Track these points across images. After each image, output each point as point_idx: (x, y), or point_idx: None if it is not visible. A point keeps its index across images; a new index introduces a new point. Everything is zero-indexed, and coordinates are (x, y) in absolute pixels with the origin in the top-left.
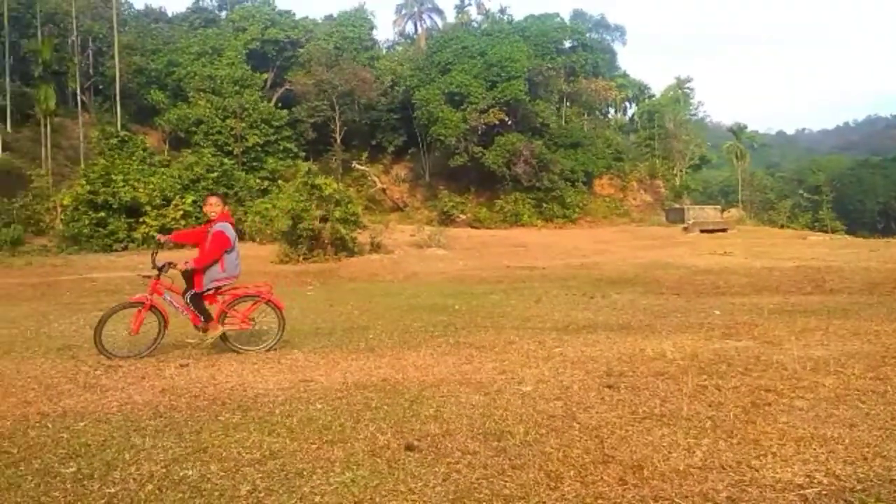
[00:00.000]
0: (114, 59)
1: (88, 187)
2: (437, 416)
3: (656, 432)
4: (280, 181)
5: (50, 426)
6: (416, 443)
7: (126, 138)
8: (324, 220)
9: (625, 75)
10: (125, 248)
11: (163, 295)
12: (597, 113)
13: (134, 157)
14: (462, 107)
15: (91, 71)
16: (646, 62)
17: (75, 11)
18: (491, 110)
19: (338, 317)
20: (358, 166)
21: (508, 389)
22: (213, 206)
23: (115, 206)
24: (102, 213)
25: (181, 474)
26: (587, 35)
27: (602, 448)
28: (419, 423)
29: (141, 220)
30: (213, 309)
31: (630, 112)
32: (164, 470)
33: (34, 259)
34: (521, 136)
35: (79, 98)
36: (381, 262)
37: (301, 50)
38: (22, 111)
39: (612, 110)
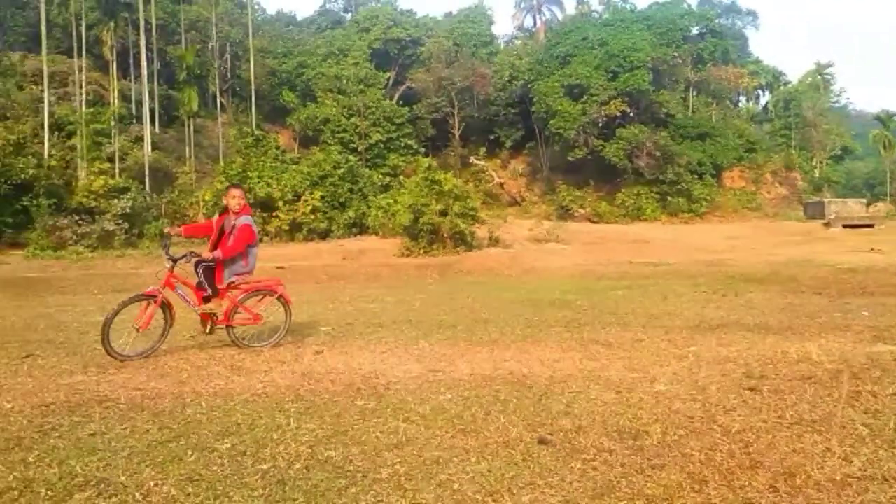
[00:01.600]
0: (249, 62)
1: (227, 183)
2: (567, 411)
3: (807, 439)
4: (401, 177)
5: (203, 404)
6: (549, 437)
7: (260, 137)
8: (443, 214)
9: (757, 62)
10: (260, 241)
11: (175, 289)
12: (726, 102)
13: (267, 155)
14: (582, 99)
15: (228, 74)
16: (781, 48)
17: (214, 19)
18: (612, 102)
19: (459, 309)
20: (476, 161)
21: (640, 388)
22: (237, 198)
23: (250, 201)
24: None
25: (325, 455)
26: (716, 21)
27: (748, 453)
28: (550, 418)
29: (274, 214)
30: (224, 304)
31: (763, 100)
32: (309, 450)
33: (180, 250)
34: (644, 128)
35: (218, 100)
36: (499, 256)
37: (422, 48)
38: (168, 113)
39: (743, 99)
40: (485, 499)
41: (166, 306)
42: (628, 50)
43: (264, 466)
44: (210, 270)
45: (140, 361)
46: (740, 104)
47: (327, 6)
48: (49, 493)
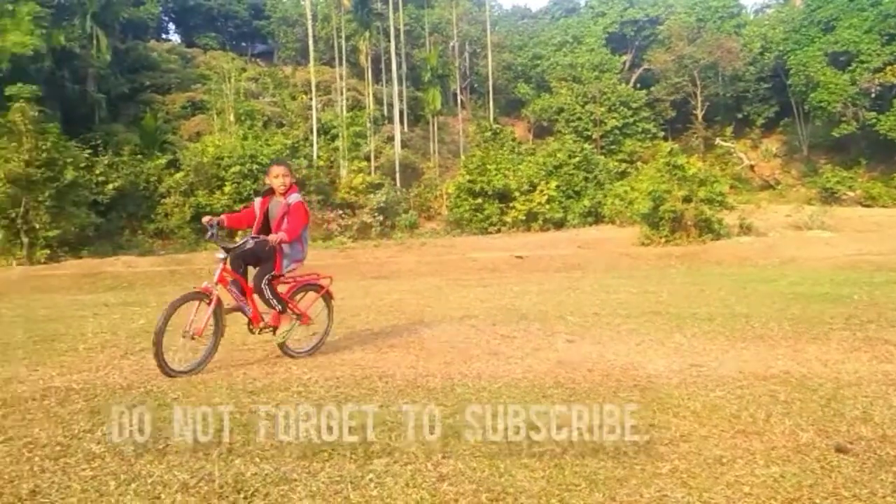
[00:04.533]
0: (486, 58)
1: (468, 176)
2: (865, 417)
3: None
4: (638, 163)
5: (470, 385)
6: (848, 445)
7: (497, 130)
8: (687, 200)
9: None
10: (498, 231)
11: (228, 285)
12: None
13: (504, 148)
14: (849, 67)
15: (467, 72)
16: None
17: (455, 19)
18: (888, 68)
19: (712, 301)
20: (721, 143)
21: None
22: (281, 176)
23: (489, 193)
24: (479, 200)
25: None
26: None
27: None
28: (845, 425)
29: (511, 204)
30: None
31: None
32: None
33: (427, 240)
34: None
35: (458, 97)
36: (751, 245)
37: (660, 27)
38: (414, 112)
39: None
40: None
41: (218, 309)
42: None
43: (539, 449)
44: (271, 281)
45: (406, 343)
46: None
47: None
48: (352, 455)
